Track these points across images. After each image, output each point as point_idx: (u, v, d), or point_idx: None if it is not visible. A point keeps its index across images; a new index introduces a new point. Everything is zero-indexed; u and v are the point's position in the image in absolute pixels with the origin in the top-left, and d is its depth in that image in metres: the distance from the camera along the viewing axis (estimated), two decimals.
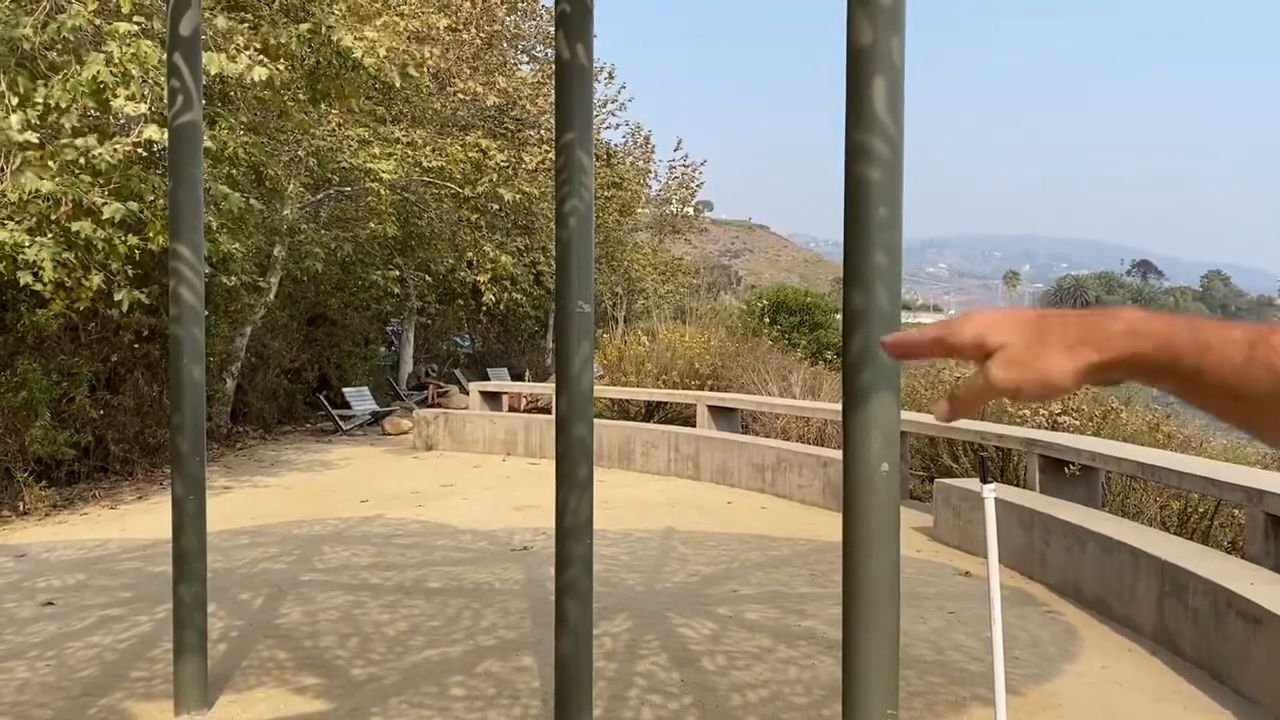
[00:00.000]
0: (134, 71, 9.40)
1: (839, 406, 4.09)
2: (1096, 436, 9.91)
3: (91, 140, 9.30)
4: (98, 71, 9.11)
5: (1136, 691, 5.45)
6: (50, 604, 7.05)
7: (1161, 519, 8.82)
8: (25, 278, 9.33)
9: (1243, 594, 5.39)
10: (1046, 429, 10.37)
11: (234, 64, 10.08)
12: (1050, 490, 8.62)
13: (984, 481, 3.63)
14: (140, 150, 9.55)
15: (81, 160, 9.45)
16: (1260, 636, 5.19)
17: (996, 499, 3.65)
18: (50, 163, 9.38)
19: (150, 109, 9.42)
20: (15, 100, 9.29)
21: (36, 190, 9.14)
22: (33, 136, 9.11)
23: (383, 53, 12.87)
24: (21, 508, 10.47)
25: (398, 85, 13.91)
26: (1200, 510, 8.70)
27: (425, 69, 15.23)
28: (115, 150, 9.35)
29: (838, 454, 8.16)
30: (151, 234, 10.00)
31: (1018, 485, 9.24)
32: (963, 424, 10.58)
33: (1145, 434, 10.36)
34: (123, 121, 9.62)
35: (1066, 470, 8.77)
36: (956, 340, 0.87)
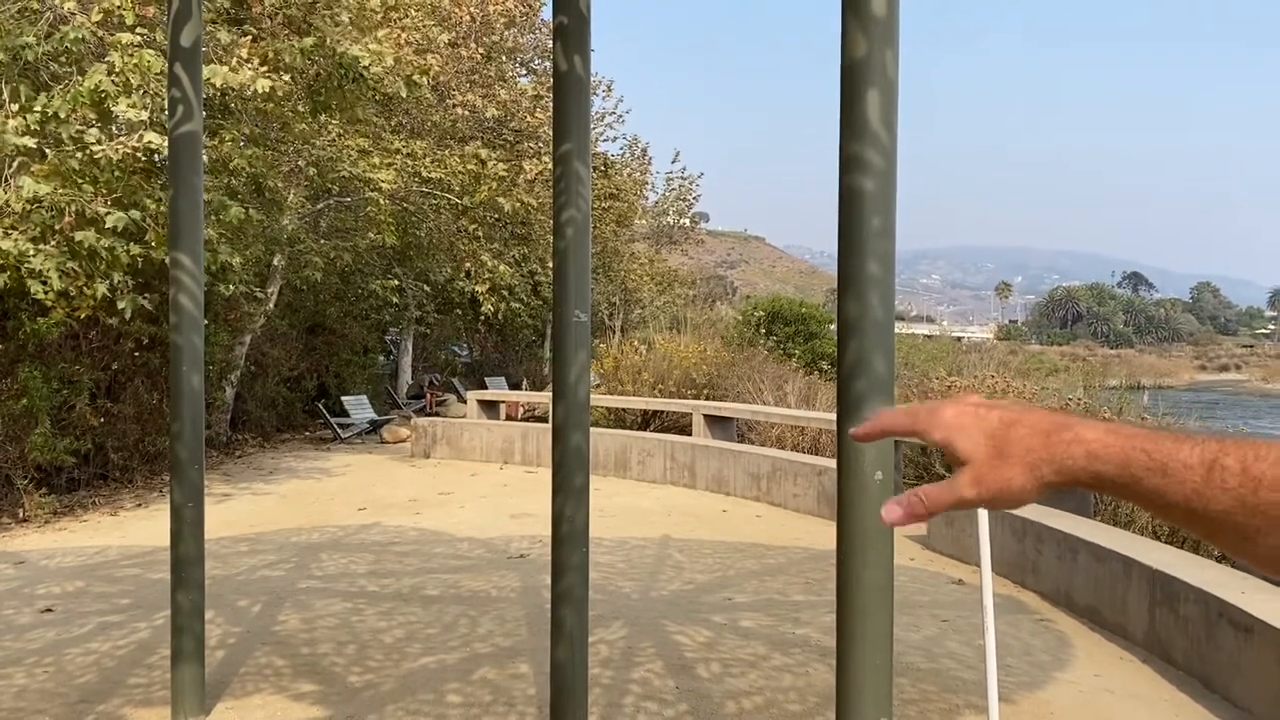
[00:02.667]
0: (135, 80, 9.41)
1: (834, 416, 4.08)
2: None
3: (92, 135, 9.29)
4: (99, 81, 9.12)
5: (1128, 700, 5.44)
6: (49, 611, 7.03)
7: (1153, 528, 8.81)
8: (34, 287, 9.33)
9: (1234, 603, 5.39)
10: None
11: (236, 74, 10.09)
12: (1042, 500, 8.59)
13: None
14: (140, 155, 9.53)
15: (81, 159, 9.44)
16: (1251, 645, 5.19)
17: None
18: (48, 165, 9.37)
19: (151, 117, 9.43)
20: (16, 107, 9.30)
21: (38, 199, 9.13)
22: (30, 141, 9.10)
23: (389, 63, 12.90)
24: (21, 514, 10.44)
25: (404, 95, 13.93)
26: None
27: (429, 77, 15.24)
28: (116, 149, 9.33)
29: (832, 463, 8.15)
30: (155, 243, 10.00)
31: None
32: None
33: None
34: (123, 130, 9.61)
35: None
36: (926, 438, 0.90)
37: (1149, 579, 6.22)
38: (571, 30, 4.45)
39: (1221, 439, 0.75)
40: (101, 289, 9.86)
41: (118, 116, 9.28)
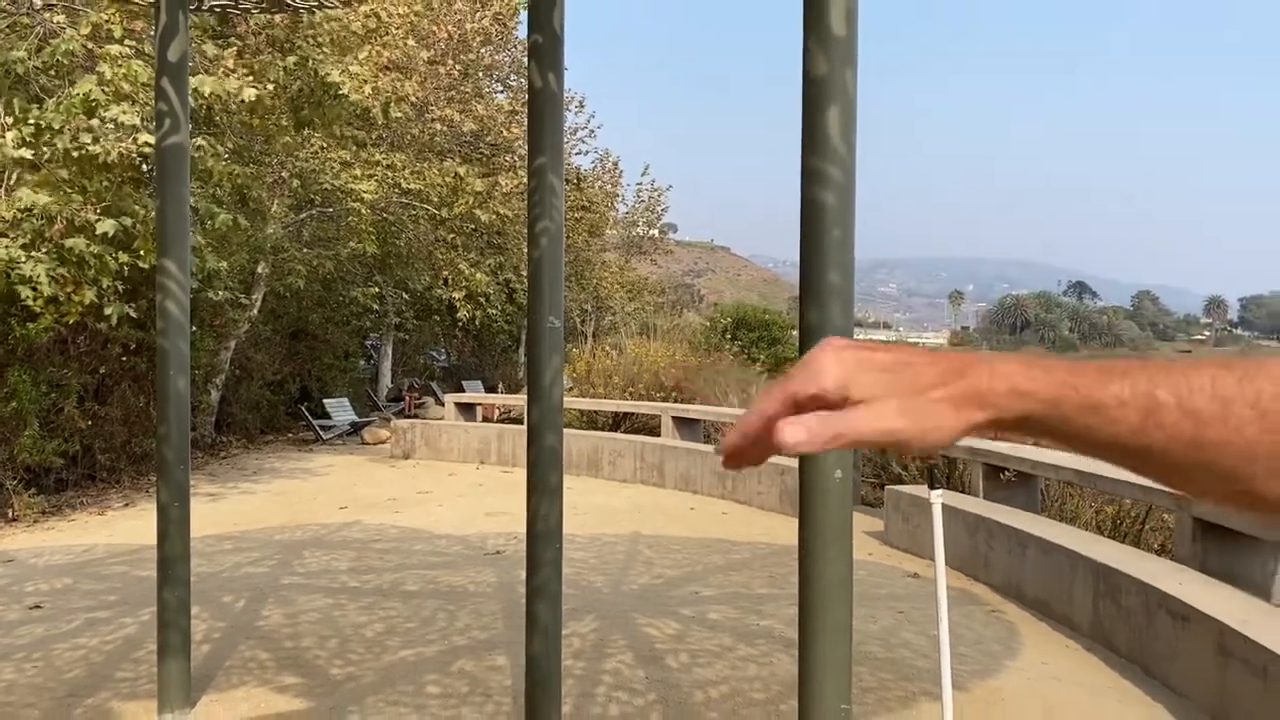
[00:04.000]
0: (126, 88, 9.32)
1: None
2: (1036, 445, 10.00)
3: (87, 138, 9.19)
4: (89, 90, 9.03)
5: (1074, 686, 5.49)
6: (38, 607, 6.94)
7: (1097, 523, 8.90)
8: (25, 292, 9.21)
9: (1172, 593, 5.46)
10: (990, 439, 10.45)
11: (223, 82, 10.00)
12: (993, 496, 8.68)
13: (931, 488, 3.65)
14: (135, 156, 9.43)
15: (72, 169, 9.33)
16: (1188, 633, 5.25)
17: (943, 505, 3.67)
18: (41, 176, 9.27)
19: (142, 122, 9.34)
20: (10, 120, 9.19)
21: (31, 206, 9.02)
22: (27, 153, 9.00)
23: (368, 91, 12.82)
24: (10, 514, 10.29)
25: (380, 121, 13.87)
26: (1133, 515, 8.80)
27: (408, 101, 15.19)
28: (111, 149, 9.23)
29: (794, 463, 8.20)
30: (143, 251, 9.90)
31: (963, 492, 9.29)
32: None
33: None
34: (115, 134, 9.51)
35: (1001, 476, 8.85)
36: (806, 395, 0.72)
37: (1094, 572, 6.28)
38: (545, 49, 4.46)
39: (1151, 368, 0.68)
40: (90, 295, 9.76)
41: (109, 121, 9.18)
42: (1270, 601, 5.78)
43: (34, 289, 9.22)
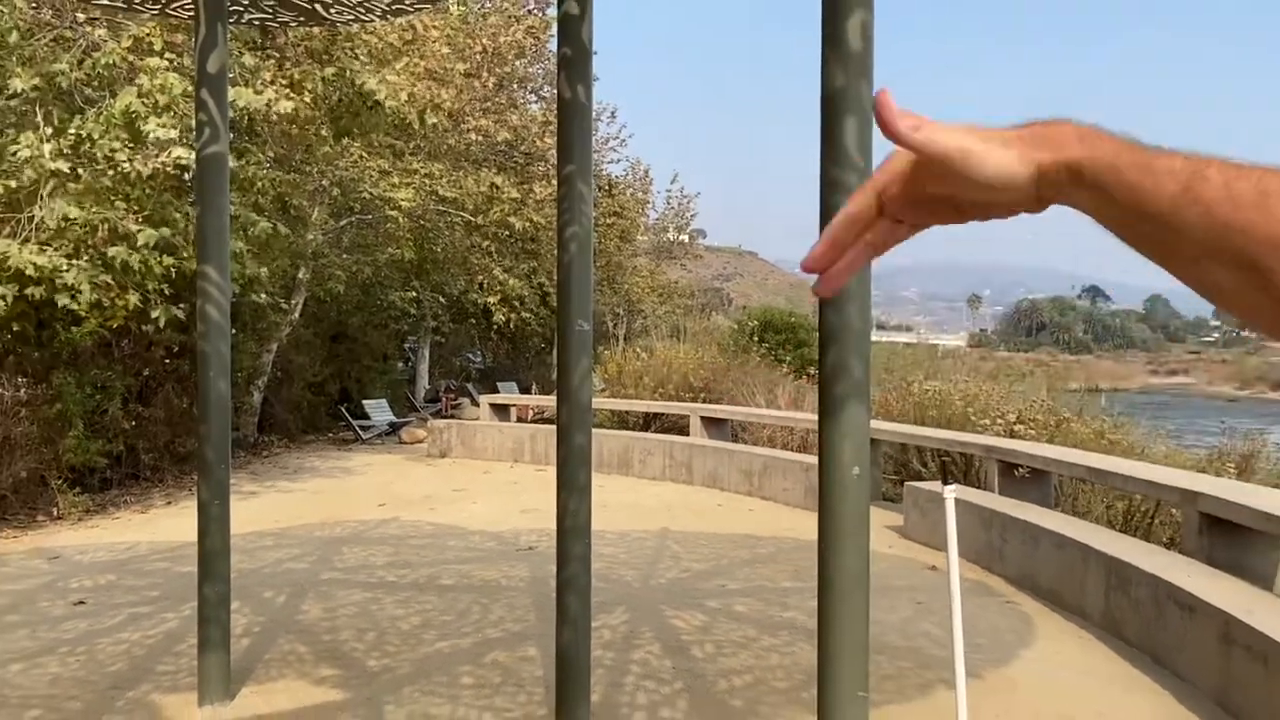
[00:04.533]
0: (162, 101, 9.41)
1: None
2: (1050, 444, 9.95)
3: (123, 154, 9.31)
4: (130, 102, 9.12)
5: (1085, 674, 5.45)
6: (82, 603, 6.99)
7: (1108, 518, 8.84)
8: (63, 299, 9.31)
9: (1180, 585, 5.45)
10: (1005, 437, 10.39)
11: (259, 95, 10.09)
12: (1008, 492, 8.64)
13: (944, 484, 3.64)
14: (170, 169, 9.53)
15: (113, 177, 9.44)
16: (1195, 623, 5.24)
17: (959, 500, 3.66)
18: (83, 185, 9.38)
19: (179, 135, 9.43)
20: (50, 131, 9.31)
21: (68, 216, 9.13)
22: (64, 165, 9.10)
23: (404, 97, 12.90)
24: (55, 513, 10.37)
25: (417, 128, 13.95)
26: (1142, 510, 8.74)
27: (444, 109, 15.27)
28: (146, 163, 9.34)
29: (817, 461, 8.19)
30: (186, 255, 10.00)
31: (979, 488, 9.24)
32: (929, 432, 10.59)
33: (1093, 440, 10.40)
34: (154, 148, 9.62)
35: (1016, 473, 8.81)
36: (886, 174, 0.76)
37: (1105, 565, 6.25)
38: (575, 61, 4.48)
39: (1203, 156, 0.67)
40: (134, 300, 9.84)
41: (149, 135, 9.28)
42: (1273, 592, 5.76)
43: (73, 296, 9.32)
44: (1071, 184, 0.70)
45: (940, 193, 0.74)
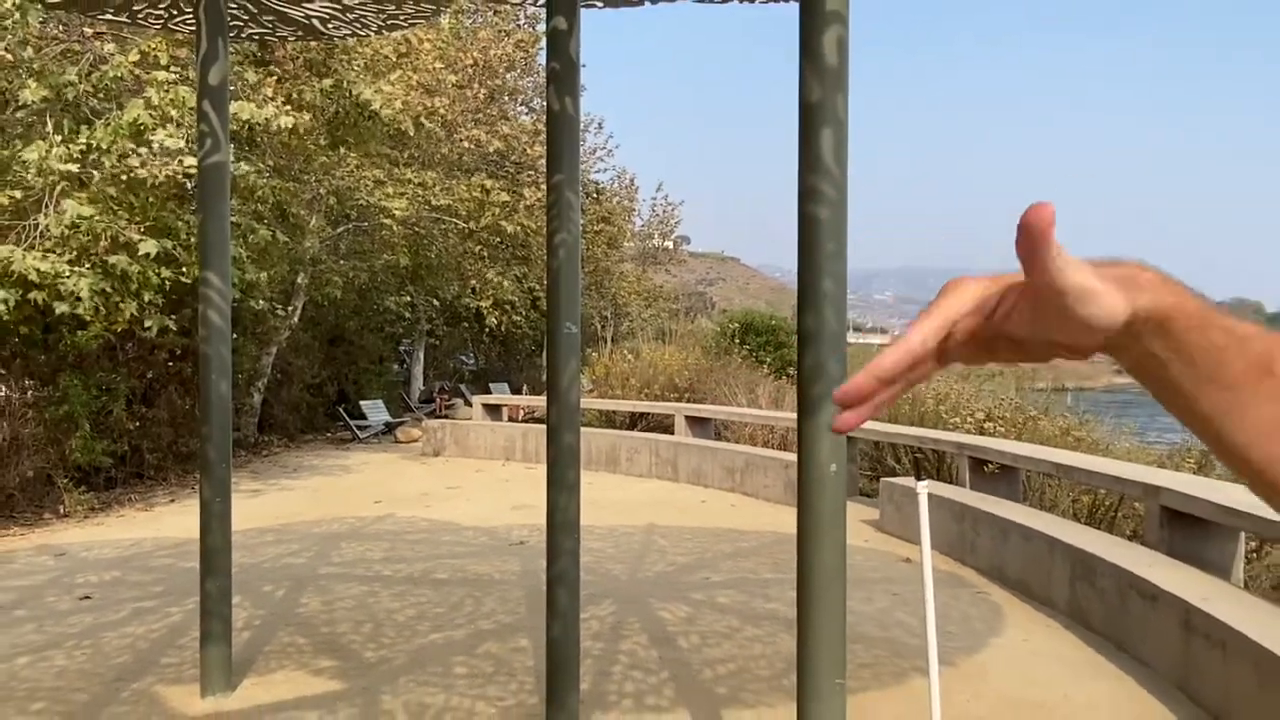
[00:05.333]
0: (173, 113, 9.39)
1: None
2: (1018, 441, 10.00)
3: (135, 160, 9.27)
4: (138, 114, 9.08)
5: (1053, 660, 5.48)
6: (87, 598, 6.95)
7: (1074, 512, 8.90)
8: (62, 307, 9.25)
9: (1142, 575, 5.50)
10: (975, 434, 10.43)
11: (262, 110, 10.07)
12: (978, 487, 8.68)
13: (917, 480, 3.66)
14: (180, 176, 9.50)
15: (120, 186, 9.40)
16: (1156, 611, 5.29)
17: (932, 495, 3.67)
18: (89, 192, 9.34)
19: (186, 145, 9.41)
20: (59, 138, 9.26)
21: (76, 223, 9.07)
22: (73, 167, 9.05)
23: (399, 105, 12.89)
24: (62, 511, 10.30)
25: (411, 134, 13.93)
26: (1106, 504, 8.80)
27: (438, 117, 15.24)
28: (158, 171, 9.30)
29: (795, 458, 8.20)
30: (185, 267, 9.96)
31: (951, 483, 9.28)
32: (903, 430, 10.63)
33: (1059, 438, 10.47)
34: (161, 157, 9.59)
35: (986, 469, 8.86)
36: (967, 304, 0.65)
37: (1071, 556, 6.30)
38: (563, 75, 4.48)
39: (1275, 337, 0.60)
40: (131, 308, 9.79)
41: (155, 144, 9.25)
42: (1230, 582, 5.82)
43: (75, 302, 9.27)
44: (1155, 334, 0.62)
45: (1022, 331, 0.63)
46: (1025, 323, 0.62)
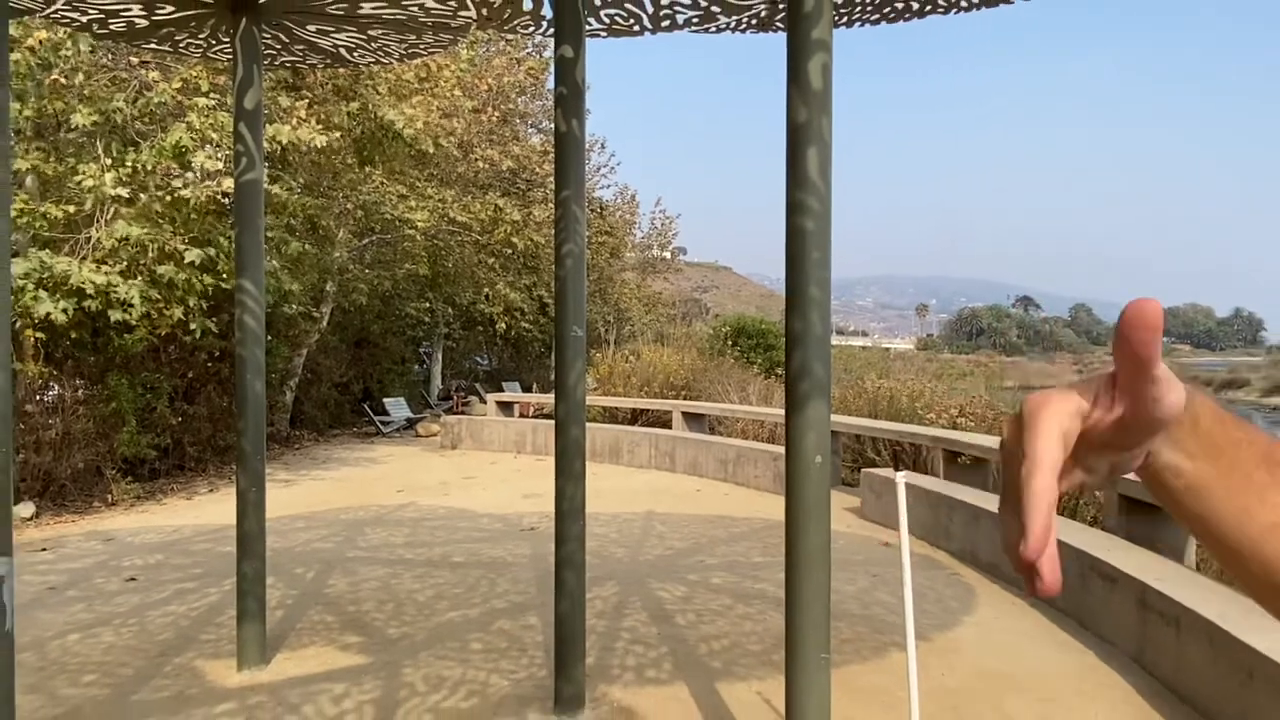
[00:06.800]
0: (214, 137, 9.43)
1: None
2: (989, 435, 9.99)
3: (180, 181, 9.34)
4: (180, 138, 9.12)
5: (1021, 636, 5.47)
6: (133, 579, 6.95)
7: None
8: (116, 314, 9.31)
9: (1102, 558, 5.48)
10: (949, 429, 10.42)
11: (296, 131, 10.10)
12: (952, 477, 8.66)
13: (896, 470, 3.65)
14: (220, 196, 9.55)
15: (165, 204, 9.46)
16: (1115, 592, 5.28)
17: (909, 484, 3.66)
18: (137, 210, 9.39)
19: (224, 165, 9.45)
20: (109, 161, 9.29)
21: (126, 237, 9.13)
22: (124, 191, 9.11)
23: (420, 125, 12.91)
24: (110, 499, 10.31)
25: (430, 152, 13.94)
26: (1069, 492, 8.79)
27: (455, 138, 15.22)
28: (199, 192, 9.36)
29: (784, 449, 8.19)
30: (225, 274, 10.00)
31: (927, 474, 9.26)
32: (882, 425, 10.62)
33: None
34: (201, 178, 9.63)
35: (959, 460, 8.84)
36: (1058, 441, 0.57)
37: None
38: (569, 99, 4.47)
39: None
40: (178, 312, 9.84)
41: (195, 165, 9.30)
42: (1183, 564, 5.80)
43: (127, 309, 9.32)
44: (1185, 430, 0.57)
45: (1107, 447, 0.57)
46: (1122, 438, 0.57)
